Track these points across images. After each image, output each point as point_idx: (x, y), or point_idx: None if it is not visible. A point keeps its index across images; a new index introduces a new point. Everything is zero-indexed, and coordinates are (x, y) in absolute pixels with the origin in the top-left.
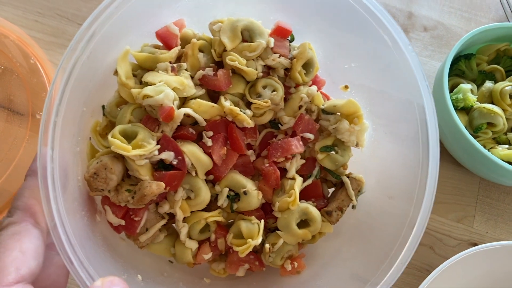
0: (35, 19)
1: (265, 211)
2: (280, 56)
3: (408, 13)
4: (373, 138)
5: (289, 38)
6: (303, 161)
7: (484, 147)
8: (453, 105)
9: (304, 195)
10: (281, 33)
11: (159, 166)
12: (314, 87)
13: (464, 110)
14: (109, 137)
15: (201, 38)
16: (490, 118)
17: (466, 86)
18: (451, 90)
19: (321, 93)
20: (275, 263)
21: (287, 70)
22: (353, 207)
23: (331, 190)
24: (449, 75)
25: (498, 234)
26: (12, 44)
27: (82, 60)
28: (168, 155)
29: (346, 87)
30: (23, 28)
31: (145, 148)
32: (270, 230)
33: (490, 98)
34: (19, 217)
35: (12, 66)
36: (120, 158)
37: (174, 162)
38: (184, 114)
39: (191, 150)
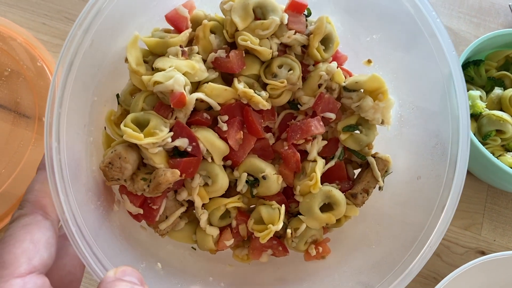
0: (42, 21)
1: (287, 195)
2: (296, 32)
3: None
4: (399, 114)
5: (305, 13)
6: (325, 142)
7: (493, 154)
8: None
9: (328, 177)
10: (296, 8)
11: (174, 154)
12: (334, 64)
13: (473, 117)
14: (122, 126)
15: (213, 19)
16: (499, 125)
17: (475, 93)
18: None
19: (343, 69)
20: (298, 248)
21: (305, 47)
22: (380, 188)
23: (357, 172)
24: None
25: (506, 242)
26: (19, 47)
27: (83, 47)
28: (182, 142)
29: (369, 61)
30: (31, 30)
31: (157, 136)
32: (292, 214)
33: (499, 105)
34: (29, 209)
35: (19, 68)
36: (134, 147)
37: (189, 149)
38: (198, 99)
39: (205, 136)
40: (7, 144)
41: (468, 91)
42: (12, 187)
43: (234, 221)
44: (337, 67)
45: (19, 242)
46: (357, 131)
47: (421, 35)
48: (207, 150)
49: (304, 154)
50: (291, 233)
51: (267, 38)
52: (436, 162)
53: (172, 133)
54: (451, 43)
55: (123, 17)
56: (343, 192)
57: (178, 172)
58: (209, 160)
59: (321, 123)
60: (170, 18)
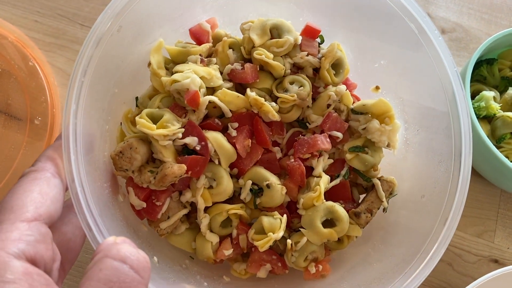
0: (34, 19)
1: (291, 210)
2: (308, 54)
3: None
4: (405, 138)
5: (318, 40)
6: (331, 160)
7: (507, 158)
8: (475, 113)
9: (332, 196)
10: (310, 34)
11: (183, 153)
12: (343, 86)
13: (486, 118)
14: (137, 118)
15: (232, 37)
16: None
17: (488, 94)
18: (471, 97)
19: (353, 95)
20: (298, 263)
21: (316, 71)
22: (384, 210)
23: (362, 196)
24: (470, 81)
25: None
26: (11, 46)
27: (112, 29)
28: (191, 140)
29: (377, 88)
30: (22, 28)
31: (168, 128)
32: (295, 230)
33: None
34: (40, 167)
35: (10, 68)
36: (146, 141)
37: (198, 148)
38: (211, 103)
39: (214, 137)
40: None
41: (480, 91)
42: (2, 194)
43: (235, 230)
44: (346, 90)
45: (27, 192)
46: (363, 153)
47: (426, 57)
48: (215, 151)
49: (310, 170)
50: (291, 245)
51: (281, 56)
52: (439, 179)
53: (183, 129)
54: (453, 63)
55: (149, 16)
56: (346, 212)
57: (185, 167)
58: (216, 162)
59: (328, 139)
60: (193, 32)
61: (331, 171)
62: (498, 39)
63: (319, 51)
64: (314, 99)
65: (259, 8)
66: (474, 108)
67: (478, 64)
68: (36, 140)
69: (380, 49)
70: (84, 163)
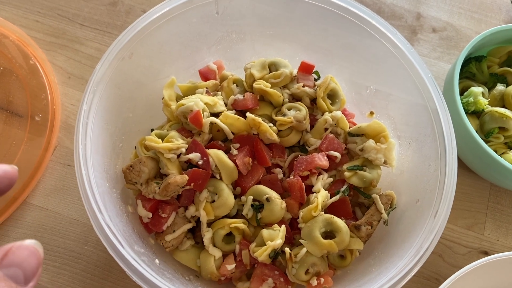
0: (35, 19)
1: (292, 227)
2: (304, 86)
3: (417, 14)
4: (400, 153)
5: (314, 76)
6: (331, 179)
7: (496, 152)
8: (464, 109)
9: (333, 212)
10: (306, 69)
11: (187, 169)
12: (339, 112)
13: (475, 114)
14: (146, 137)
15: (236, 77)
16: (502, 122)
17: (477, 89)
18: (461, 93)
19: (350, 122)
20: (299, 276)
21: (314, 101)
22: (385, 223)
23: None
24: (459, 78)
25: (509, 242)
26: (12, 45)
27: (124, 54)
28: (194, 156)
29: (372, 113)
30: (23, 28)
31: (173, 143)
32: (296, 246)
33: (502, 101)
34: None
35: (11, 66)
36: (155, 159)
37: (200, 162)
38: (213, 124)
39: (215, 153)
40: None
41: (469, 87)
42: None
43: (238, 246)
44: (341, 115)
45: None
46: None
47: (409, 77)
48: (216, 166)
49: (311, 190)
50: (290, 254)
51: (280, 88)
52: (430, 180)
53: (186, 145)
54: (433, 81)
55: (160, 52)
56: (347, 226)
57: (187, 177)
58: (218, 177)
59: (325, 157)
60: (202, 72)
61: (332, 190)
62: (486, 37)
63: (315, 85)
64: (312, 127)
65: (259, 52)
66: (462, 103)
67: (468, 62)
68: (37, 136)
69: (368, 75)
70: (92, 154)
